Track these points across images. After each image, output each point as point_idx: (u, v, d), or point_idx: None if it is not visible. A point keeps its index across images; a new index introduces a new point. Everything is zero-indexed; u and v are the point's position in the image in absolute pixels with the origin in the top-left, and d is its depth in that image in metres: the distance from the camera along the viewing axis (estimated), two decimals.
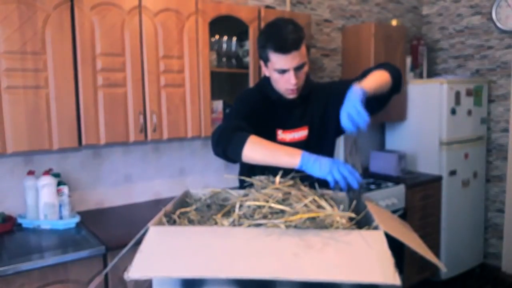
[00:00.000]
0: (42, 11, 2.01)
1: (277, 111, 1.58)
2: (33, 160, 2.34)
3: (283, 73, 1.46)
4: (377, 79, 1.44)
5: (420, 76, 4.01)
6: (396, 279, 0.83)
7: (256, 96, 1.60)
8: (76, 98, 2.15)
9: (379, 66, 1.60)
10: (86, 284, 1.93)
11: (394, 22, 3.70)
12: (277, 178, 1.20)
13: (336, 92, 1.53)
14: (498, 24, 3.76)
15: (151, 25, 2.32)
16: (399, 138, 3.90)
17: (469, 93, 3.67)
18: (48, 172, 2.22)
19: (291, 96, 1.54)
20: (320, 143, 1.64)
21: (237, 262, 0.88)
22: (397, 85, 1.56)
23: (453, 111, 3.57)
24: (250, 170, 1.58)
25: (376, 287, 0.89)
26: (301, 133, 1.61)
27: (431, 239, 3.53)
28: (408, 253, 3.23)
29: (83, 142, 2.18)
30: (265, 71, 1.55)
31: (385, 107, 1.61)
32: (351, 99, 1.24)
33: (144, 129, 2.35)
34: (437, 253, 3.62)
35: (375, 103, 1.50)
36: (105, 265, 1.96)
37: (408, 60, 3.82)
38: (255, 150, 1.31)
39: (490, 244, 3.97)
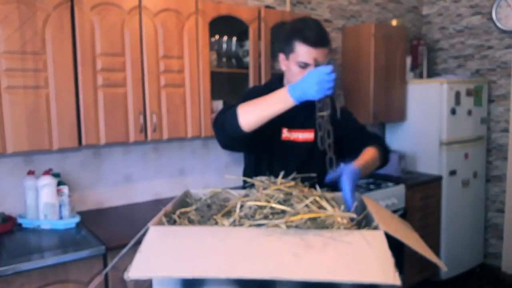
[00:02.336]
0: (42, 11, 2.01)
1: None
2: (33, 160, 2.34)
3: (304, 68, 1.44)
4: (369, 166, 1.50)
5: (420, 76, 4.01)
6: (396, 279, 0.83)
7: (262, 92, 1.55)
8: (76, 98, 2.15)
9: (374, 141, 1.65)
10: (86, 284, 1.93)
11: (394, 22, 3.70)
12: (279, 179, 1.20)
13: (346, 118, 1.62)
14: (498, 24, 3.76)
15: (151, 25, 2.32)
16: (399, 138, 3.90)
17: (469, 93, 3.67)
18: (48, 172, 2.22)
19: None
20: (341, 148, 1.62)
21: (237, 262, 0.88)
22: (383, 166, 1.65)
23: (453, 111, 3.57)
24: (256, 169, 1.58)
25: (376, 287, 0.89)
26: (306, 135, 1.61)
27: (431, 239, 3.53)
28: (408, 253, 3.23)
29: (83, 142, 2.18)
30: (283, 65, 1.53)
31: None
32: (348, 180, 1.26)
33: (144, 129, 2.35)
34: (437, 253, 3.62)
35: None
36: (105, 265, 1.96)
37: (408, 60, 3.82)
38: (249, 113, 1.33)
39: (490, 244, 3.97)
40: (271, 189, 1.13)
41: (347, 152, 1.66)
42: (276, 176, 1.24)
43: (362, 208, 1.22)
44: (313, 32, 1.42)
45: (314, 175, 1.36)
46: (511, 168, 3.73)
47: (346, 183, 1.24)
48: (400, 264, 3.14)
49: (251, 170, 1.67)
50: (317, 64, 1.33)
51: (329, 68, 1.21)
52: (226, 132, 1.40)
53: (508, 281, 3.74)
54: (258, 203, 1.07)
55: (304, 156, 1.59)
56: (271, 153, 1.58)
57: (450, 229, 3.64)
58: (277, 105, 1.29)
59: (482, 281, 3.82)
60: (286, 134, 1.59)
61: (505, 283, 3.74)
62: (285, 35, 1.48)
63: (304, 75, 1.26)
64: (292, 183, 1.19)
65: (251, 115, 1.33)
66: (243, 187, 1.56)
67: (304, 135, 1.61)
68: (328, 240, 0.93)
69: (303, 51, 1.43)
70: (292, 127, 1.59)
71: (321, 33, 1.43)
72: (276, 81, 1.63)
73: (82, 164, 2.52)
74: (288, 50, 1.47)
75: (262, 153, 1.61)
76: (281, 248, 0.92)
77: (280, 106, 1.29)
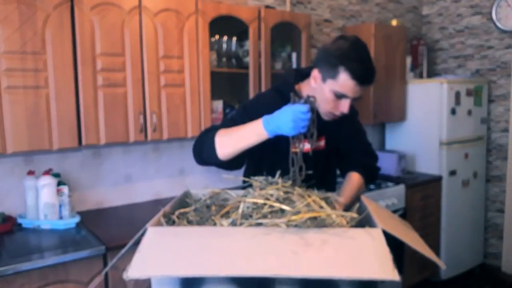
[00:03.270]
0: (42, 11, 2.02)
1: None
2: (33, 160, 2.34)
3: (339, 98, 1.35)
4: (353, 193, 1.48)
5: (420, 76, 4.01)
6: (394, 275, 0.83)
7: (269, 104, 1.42)
8: (76, 98, 2.15)
9: (364, 161, 1.62)
10: (86, 284, 1.93)
11: (394, 22, 3.70)
12: (278, 178, 1.20)
13: (349, 129, 1.59)
14: (498, 24, 3.76)
15: (151, 25, 2.32)
16: (399, 138, 3.90)
17: (469, 93, 3.67)
18: (48, 172, 2.23)
19: (329, 119, 1.44)
20: (337, 157, 1.62)
21: (236, 260, 0.88)
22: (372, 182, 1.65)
23: (453, 111, 3.56)
24: (257, 169, 1.56)
25: (374, 283, 0.89)
26: (317, 143, 1.52)
27: (431, 239, 3.53)
28: (408, 253, 3.23)
29: (83, 142, 2.18)
30: (315, 82, 1.40)
31: None
32: None
33: (144, 129, 2.35)
34: (437, 253, 3.62)
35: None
36: (105, 265, 1.96)
37: (408, 60, 3.82)
38: (225, 144, 1.32)
39: (490, 244, 3.96)
40: (270, 188, 1.13)
41: (340, 162, 1.65)
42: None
43: (362, 208, 1.22)
44: (366, 69, 1.31)
45: (310, 172, 1.33)
46: (511, 168, 3.73)
47: None
48: (400, 264, 3.14)
49: (253, 170, 1.63)
50: (293, 101, 1.26)
51: (305, 107, 1.20)
52: (204, 160, 1.42)
53: (508, 281, 3.74)
54: (257, 200, 1.07)
55: (317, 164, 1.52)
56: (282, 164, 1.46)
57: (450, 229, 3.64)
58: (252, 138, 1.28)
59: (482, 281, 3.82)
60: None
61: (505, 283, 3.74)
62: (331, 57, 1.33)
63: (280, 110, 1.23)
64: (290, 182, 1.19)
65: (227, 145, 1.32)
66: (243, 188, 1.55)
67: (316, 144, 1.52)
68: (327, 238, 0.93)
69: (346, 84, 1.31)
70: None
71: (371, 68, 1.32)
72: (285, 87, 1.51)
73: (82, 164, 2.52)
74: (329, 74, 1.34)
75: (263, 167, 1.54)
76: (279, 246, 0.92)
77: (254, 139, 1.28)
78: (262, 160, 1.54)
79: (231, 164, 1.41)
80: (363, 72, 1.30)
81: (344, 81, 1.31)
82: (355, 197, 1.46)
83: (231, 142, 1.32)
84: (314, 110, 1.25)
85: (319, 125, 1.43)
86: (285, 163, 1.30)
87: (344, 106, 1.36)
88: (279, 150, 1.40)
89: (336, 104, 1.37)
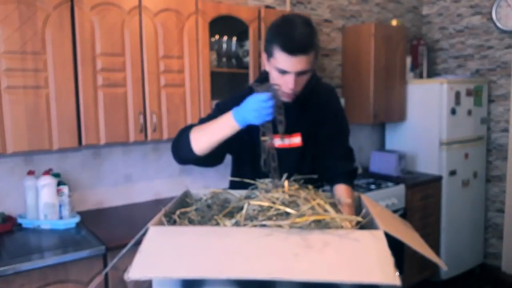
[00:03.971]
0: (42, 11, 2.01)
1: None
2: (33, 160, 2.34)
3: (283, 74, 1.36)
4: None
5: (420, 76, 4.01)
6: (396, 279, 0.83)
7: (242, 98, 1.39)
8: (76, 98, 2.15)
9: (342, 163, 1.59)
10: (86, 284, 1.93)
11: (394, 22, 3.70)
12: (285, 182, 1.19)
13: (331, 129, 1.57)
14: (498, 24, 3.76)
15: (151, 25, 2.32)
16: (399, 138, 3.90)
17: (469, 93, 3.67)
18: (48, 172, 2.22)
19: (284, 99, 1.42)
20: (315, 155, 1.58)
21: (237, 263, 0.88)
22: None
23: (453, 111, 3.56)
24: (239, 164, 1.55)
25: (376, 287, 0.89)
26: (292, 140, 1.53)
27: (431, 239, 3.53)
28: (408, 253, 3.23)
29: (83, 142, 2.18)
30: (266, 66, 1.45)
31: None
32: None
33: (144, 129, 2.35)
34: (437, 253, 3.62)
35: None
36: (105, 265, 1.96)
37: (408, 60, 3.82)
38: (200, 139, 1.36)
39: (490, 244, 3.97)
40: (275, 191, 1.12)
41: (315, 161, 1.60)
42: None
43: (362, 208, 1.22)
44: (292, 39, 1.31)
45: (315, 176, 1.34)
46: (511, 168, 3.73)
47: None
48: (400, 264, 3.14)
49: (235, 175, 1.60)
50: (255, 90, 1.27)
51: (265, 95, 1.21)
52: (182, 158, 1.44)
53: (508, 281, 3.74)
54: (263, 203, 1.06)
55: (293, 162, 1.52)
56: (257, 162, 1.44)
57: (450, 229, 3.64)
58: (225, 130, 1.31)
59: (482, 281, 3.82)
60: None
61: (505, 283, 3.74)
62: (268, 35, 1.38)
63: (245, 100, 1.26)
64: (296, 185, 1.18)
65: (202, 140, 1.35)
66: (229, 187, 1.54)
67: (291, 140, 1.53)
68: (328, 240, 0.93)
69: (280, 58, 1.33)
70: (277, 132, 1.47)
71: (302, 40, 1.31)
72: (259, 81, 1.51)
73: (82, 164, 2.52)
74: (268, 53, 1.38)
75: (245, 161, 1.54)
76: (281, 248, 0.92)
77: (227, 131, 1.31)
78: (242, 154, 1.54)
79: (209, 160, 1.44)
80: (291, 43, 1.30)
81: (279, 56, 1.33)
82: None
83: (205, 136, 1.35)
84: (277, 97, 1.25)
85: (295, 121, 1.47)
86: (259, 159, 1.31)
87: (289, 82, 1.36)
88: (256, 143, 1.41)
89: (283, 80, 1.37)
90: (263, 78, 1.53)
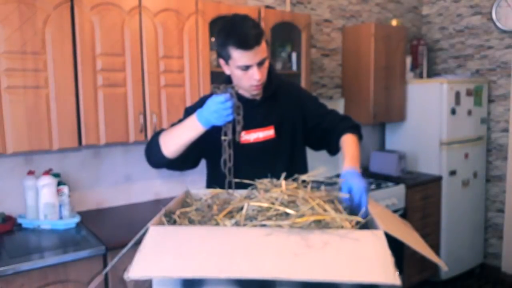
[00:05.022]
0: (42, 11, 2.01)
1: None
2: (33, 160, 2.34)
3: (246, 70, 1.43)
4: (358, 154, 1.48)
5: (420, 76, 4.01)
6: (396, 279, 0.83)
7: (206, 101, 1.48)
8: (76, 98, 2.15)
9: (343, 122, 1.62)
10: (86, 284, 1.93)
11: (394, 22, 3.70)
12: (283, 182, 1.19)
13: (308, 107, 1.62)
14: (498, 24, 3.76)
15: (151, 25, 2.32)
16: (399, 138, 3.90)
17: (469, 93, 3.67)
18: (48, 172, 2.22)
19: (255, 92, 1.51)
20: (293, 143, 1.62)
21: (237, 262, 0.88)
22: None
23: (453, 111, 3.56)
24: (213, 166, 1.57)
25: (376, 287, 0.89)
26: (266, 133, 1.57)
27: (431, 239, 3.53)
28: (408, 253, 3.23)
29: (83, 142, 2.18)
30: (226, 70, 1.51)
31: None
32: (359, 187, 1.26)
33: (144, 129, 2.35)
34: (437, 253, 3.62)
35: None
36: (105, 265, 1.96)
37: (408, 60, 3.82)
38: (168, 142, 1.42)
39: (490, 244, 3.97)
40: (274, 191, 1.12)
41: (322, 142, 1.65)
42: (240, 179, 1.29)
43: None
44: (244, 35, 1.38)
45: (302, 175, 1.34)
46: (511, 168, 3.73)
47: (363, 197, 1.24)
48: (400, 264, 3.14)
49: (211, 179, 1.65)
50: (214, 92, 1.31)
51: (223, 97, 1.27)
52: (154, 164, 1.51)
53: (508, 281, 3.74)
54: (262, 204, 1.06)
55: (269, 154, 1.57)
56: (234, 159, 1.50)
57: (450, 229, 3.64)
58: (190, 132, 1.37)
59: (482, 281, 3.82)
60: (244, 137, 1.54)
61: (505, 283, 3.74)
62: (219, 41, 1.45)
63: (206, 103, 1.31)
64: (295, 184, 1.18)
65: (170, 143, 1.41)
66: (207, 187, 1.57)
67: (264, 133, 1.57)
68: (328, 240, 0.93)
69: (239, 56, 1.40)
70: (250, 127, 1.53)
71: (252, 32, 1.39)
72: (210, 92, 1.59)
73: (82, 164, 2.52)
74: (225, 56, 1.44)
75: (217, 156, 1.54)
76: (281, 248, 0.92)
77: (193, 133, 1.37)
78: (214, 155, 1.54)
79: (180, 163, 1.51)
80: (244, 39, 1.38)
81: (236, 54, 1.40)
82: (359, 156, 1.47)
83: (173, 139, 1.41)
84: (234, 97, 1.30)
85: (267, 115, 1.54)
86: (237, 157, 1.37)
87: (254, 74, 1.43)
88: (237, 149, 1.45)
89: (247, 76, 1.44)
90: (226, 81, 1.58)
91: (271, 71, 1.58)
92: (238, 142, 1.39)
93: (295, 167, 1.54)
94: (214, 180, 1.50)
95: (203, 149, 1.50)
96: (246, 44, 1.38)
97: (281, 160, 1.59)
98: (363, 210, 1.16)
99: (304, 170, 1.61)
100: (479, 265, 3.95)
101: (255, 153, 1.55)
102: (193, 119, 1.36)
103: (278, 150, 1.58)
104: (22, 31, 1.97)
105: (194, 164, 1.60)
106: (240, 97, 1.50)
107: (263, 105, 1.57)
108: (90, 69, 2.16)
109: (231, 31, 1.41)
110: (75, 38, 2.12)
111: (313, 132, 1.65)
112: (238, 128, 1.33)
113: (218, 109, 1.28)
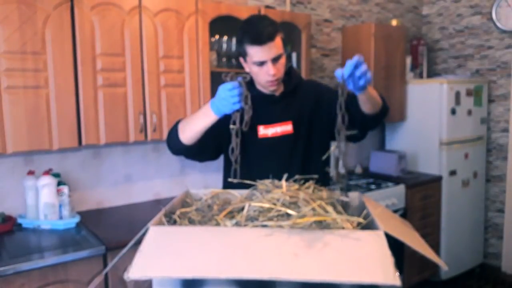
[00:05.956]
0: (42, 11, 2.01)
1: (257, 107, 1.51)
2: (33, 160, 2.34)
3: (261, 65, 1.48)
4: (376, 96, 1.49)
5: (420, 76, 4.01)
6: (396, 279, 0.83)
7: None
8: (76, 98, 2.15)
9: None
10: (86, 284, 1.93)
11: (394, 22, 3.70)
12: (283, 182, 1.19)
13: (328, 99, 1.60)
14: (498, 24, 3.76)
15: (151, 25, 2.32)
16: (399, 138, 3.90)
17: (469, 93, 3.67)
18: (48, 172, 2.22)
19: (272, 88, 1.55)
20: (310, 140, 1.62)
21: (237, 262, 0.88)
22: (382, 114, 1.62)
23: (453, 111, 3.56)
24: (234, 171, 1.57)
25: (376, 287, 0.89)
26: (283, 128, 1.60)
27: (431, 239, 3.53)
28: (408, 253, 3.23)
29: (83, 142, 2.18)
30: (246, 67, 1.56)
31: (362, 135, 1.70)
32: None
33: (144, 129, 2.35)
34: (437, 253, 3.62)
35: (360, 122, 1.56)
36: (105, 265, 1.96)
37: (408, 60, 3.82)
38: (185, 130, 1.49)
39: (490, 244, 3.97)
40: (275, 192, 1.12)
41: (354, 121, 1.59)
42: (258, 176, 1.28)
43: (363, 208, 1.22)
44: (258, 31, 1.44)
45: (316, 176, 1.34)
46: (511, 168, 3.73)
47: (348, 62, 1.27)
48: (400, 264, 3.14)
49: (227, 172, 1.62)
50: (225, 80, 1.35)
51: (231, 84, 1.31)
52: (174, 150, 1.59)
53: (508, 281, 3.74)
54: (263, 205, 1.06)
55: (286, 149, 1.59)
56: (249, 153, 1.56)
57: (450, 229, 3.64)
58: (204, 119, 1.43)
59: (482, 281, 3.82)
60: (262, 131, 1.57)
61: (505, 283, 3.74)
62: (237, 39, 1.52)
63: (218, 96, 1.35)
64: (297, 186, 1.18)
65: (187, 130, 1.49)
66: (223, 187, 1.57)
67: (282, 128, 1.59)
68: (328, 240, 0.93)
69: (253, 52, 1.46)
70: (269, 122, 1.58)
71: (266, 29, 1.45)
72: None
73: (82, 164, 2.52)
74: (243, 53, 1.51)
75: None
76: (281, 248, 0.92)
77: (206, 120, 1.42)
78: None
79: (199, 153, 1.57)
80: (258, 35, 1.44)
81: (251, 51, 1.46)
82: (375, 97, 1.48)
83: (189, 126, 1.48)
84: (243, 87, 1.33)
85: (285, 111, 1.57)
86: (255, 151, 1.42)
87: (269, 70, 1.48)
88: (255, 144, 1.54)
89: (263, 71, 1.49)
90: (250, 79, 1.60)
91: (291, 68, 1.64)
92: (247, 132, 1.42)
93: (311, 163, 1.58)
94: (229, 175, 1.49)
95: (221, 144, 1.55)
96: (260, 40, 1.44)
97: (298, 155, 1.60)
98: (364, 212, 1.14)
99: (322, 166, 1.59)
100: (479, 265, 3.95)
101: (272, 147, 1.59)
102: (207, 107, 1.41)
103: (295, 145, 1.60)
104: (22, 31, 1.97)
105: (212, 156, 1.64)
106: (259, 93, 1.59)
107: (282, 100, 1.61)
108: (90, 69, 2.16)
109: (247, 29, 1.48)
110: (75, 38, 2.12)
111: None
112: (246, 117, 1.36)
113: (226, 97, 1.32)
